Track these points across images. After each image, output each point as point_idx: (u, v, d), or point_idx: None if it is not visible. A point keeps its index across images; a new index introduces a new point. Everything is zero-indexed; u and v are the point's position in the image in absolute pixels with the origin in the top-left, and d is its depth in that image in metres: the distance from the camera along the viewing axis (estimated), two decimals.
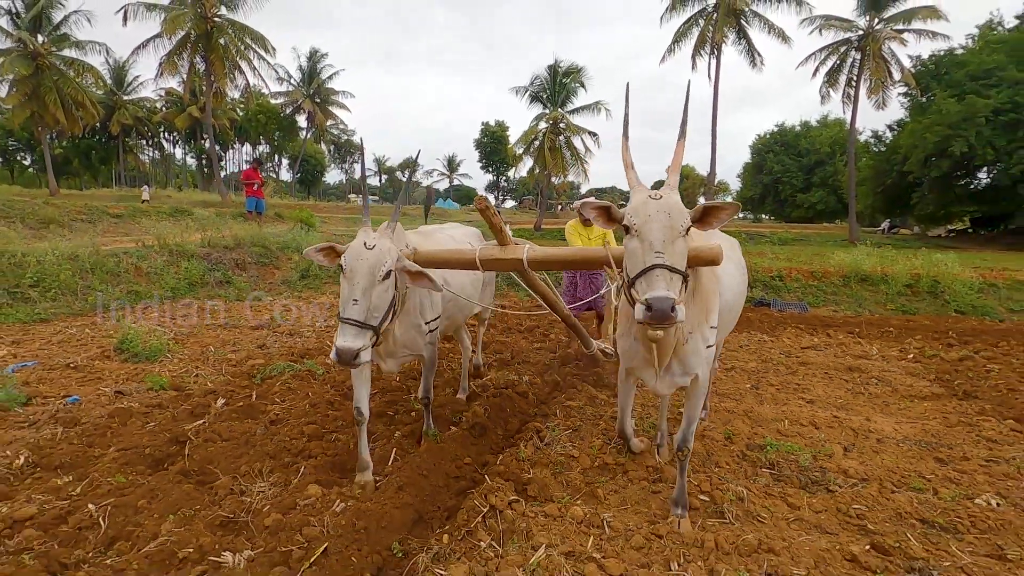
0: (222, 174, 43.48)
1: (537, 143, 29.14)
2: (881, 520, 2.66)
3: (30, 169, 58.42)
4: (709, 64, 28.38)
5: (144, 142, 60.74)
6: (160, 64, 30.87)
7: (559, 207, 65.52)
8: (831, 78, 28.68)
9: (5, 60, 29.70)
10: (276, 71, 35.57)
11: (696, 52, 28.13)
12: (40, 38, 31.25)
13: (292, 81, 47.34)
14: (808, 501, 2.83)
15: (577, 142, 29.29)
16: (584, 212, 2.24)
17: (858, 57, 27.62)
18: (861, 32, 27.42)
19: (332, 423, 3.63)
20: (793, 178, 46.19)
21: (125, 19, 29.03)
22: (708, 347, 2.48)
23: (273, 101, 51.83)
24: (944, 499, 2.85)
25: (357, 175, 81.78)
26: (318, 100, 50.35)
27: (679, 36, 28.49)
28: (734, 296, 3.03)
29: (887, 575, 2.21)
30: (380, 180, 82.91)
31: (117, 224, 12.85)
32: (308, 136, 56.24)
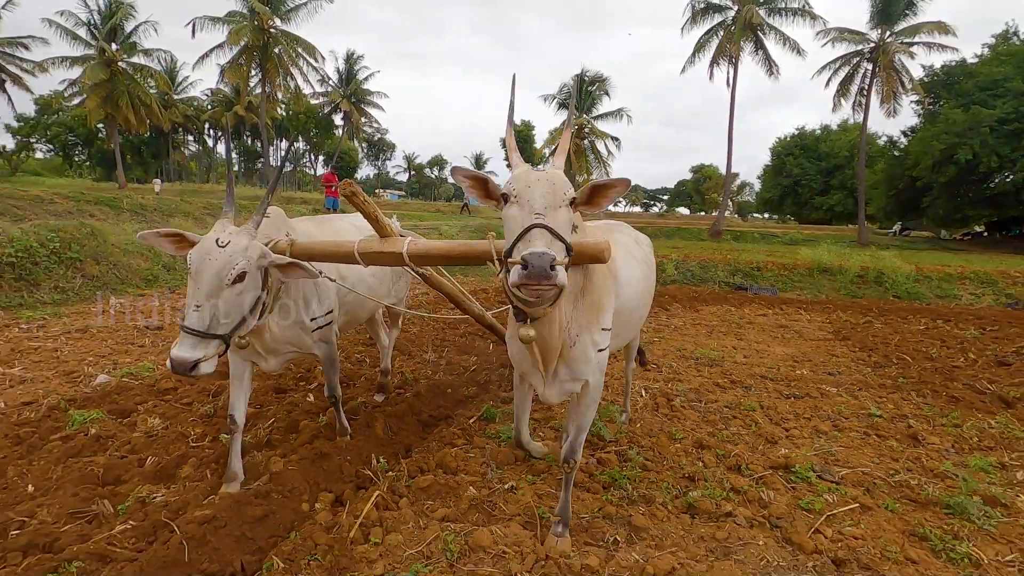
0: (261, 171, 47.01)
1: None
2: (743, 376, 5.03)
3: (86, 163, 62.63)
4: (728, 74, 30.22)
5: (191, 138, 64.73)
6: (222, 70, 34.08)
7: None
8: (843, 87, 30.28)
9: (87, 68, 33.28)
10: (320, 73, 38.66)
11: (714, 63, 30.02)
12: (114, 46, 34.77)
13: (331, 83, 50.38)
14: (709, 372, 5.21)
15: (600, 146, 31.48)
16: (456, 181, 1.99)
17: (870, 68, 29.19)
18: (873, 44, 28.96)
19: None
20: (812, 181, 47.45)
21: (193, 32, 32.27)
22: (600, 351, 2.26)
23: (313, 101, 55.03)
24: (781, 368, 5.21)
25: (390, 171, 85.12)
26: (354, 100, 53.27)
27: (699, 47, 30.41)
28: (635, 296, 2.69)
29: (730, 392, 4.57)
30: (408, 176, 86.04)
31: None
32: (343, 134, 59.26)
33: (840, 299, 10.44)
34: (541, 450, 3.16)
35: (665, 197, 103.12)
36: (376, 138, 68.78)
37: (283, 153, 68.48)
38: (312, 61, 35.43)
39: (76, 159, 60.40)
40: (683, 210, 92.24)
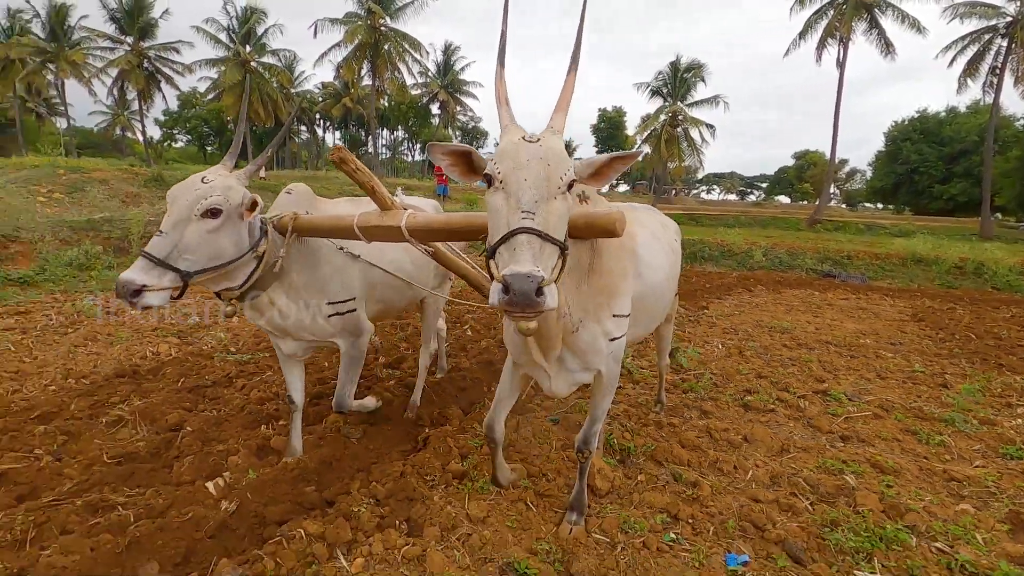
0: (362, 159, 51.01)
1: (654, 132, 31.64)
2: (809, 341, 5.95)
3: (216, 151, 70.33)
4: (838, 53, 28.82)
5: (304, 128, 70.71)
6: (338, 66, 37.50)
7: (674, 192, 66.41)
8: (971, 67, 27.96)
9: (224, 68, 37.89)
10: (421, 66, 41.34)
11: (822, 44, 28.80)
12: (247, 48, 39.22)
13: (430, 74, 53.13)
14: (780, 337, 6.16)
15: (694, 133, 31.37)
16: (433, 159, 1.69)
17: (1004, 45, 26.76)
18: (1010, 19, 26.51)
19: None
20: (932, 168, 43.75)
21: (315, 32, 35.79)
22: (612, 340, 2.04)
23: (413, 92, 58.28)
24: (847, 338, 6.05)
25: None
26: (451, 90, 55.72)
27: (807, 28, 29.25)
28: (661, 280, 2.47)
29: (795, 351, 5.54)
30: None
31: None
32: (439, 123, 62.03)
33: (932, 288, 10.61)
34: (507, 477, 2.65)
35: (763, 185, 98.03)
36: (470, 126, 71.28)
37: (384, 142, 72.94)
38: (416, 55, 38.01)
39: (208, 148, 68.15)
40: (783, 198, 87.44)
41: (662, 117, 31.39)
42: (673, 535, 2.33)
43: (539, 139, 1.54)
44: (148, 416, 3.25)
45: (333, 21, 35.80)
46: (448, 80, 55.04)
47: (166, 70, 40.94)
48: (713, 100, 30.57)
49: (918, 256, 11.74)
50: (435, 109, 59.37)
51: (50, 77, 40.72)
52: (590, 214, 1.76)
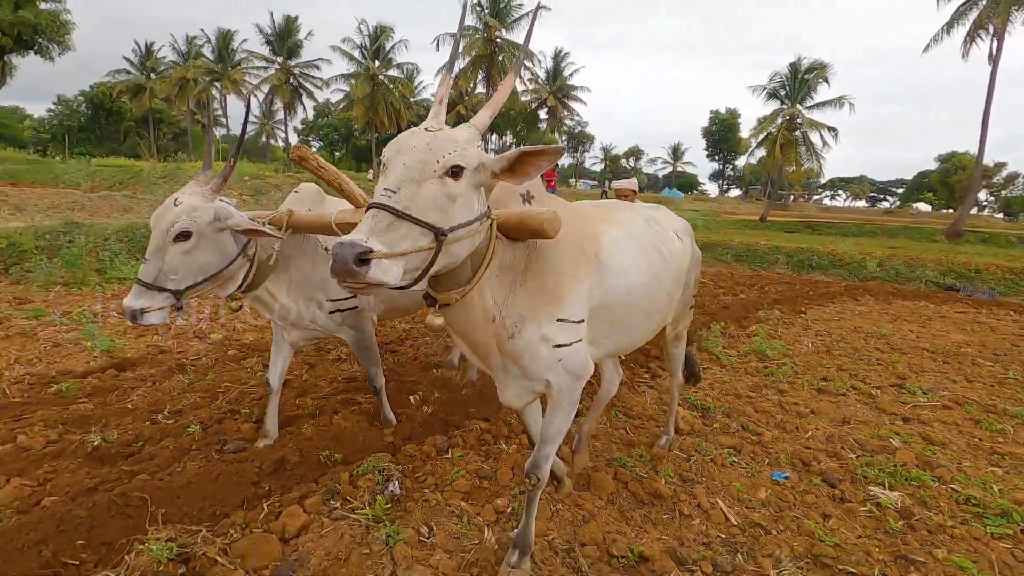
0: None
1: (769, 136, 30.44)
2: (904, 347, 6.21)
3: (343, 157, 77.07)
4: (991, 47, 26.05)
5: None
6: (456, 78, 40.12)
7: (791, 197, 62.54)
8: None
9: (356, 83, 41.91)
10: (532, 73, 42.98)
11: (971, 37, 26.19)
12: (376, 63, 43.04)
13: (539, 80, 54.64)
14: (875, 342, 6.45)
15: (814, 137, 29.79)
16: None
17: None
18: None
19: None
20: None
21: (438, 46, 38.62)
22: (559, 347, 1.88)
23: (523, 99, 60.24)
24: (947, 347, 6.21)
25: (586, 163, 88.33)
26: (560, 96, 56.79)
27: (953, 20, 26.75)
28: (636, 285, 2.17)
29: (886, 353, 5.87)
30: (604, 166, 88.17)
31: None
32: (546, 128, 63.32)
33: None
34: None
35: (899, 190, 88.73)
36: (576, 131, 72.04)
37: (492, 147, 75.78)
38: (529, 65, 39.67)
39: (337, 153, 75.02)
40: (922, 206, 78.57)
41: (778, 120, 30.19)
42: (734, 459, 3.14)
43: (439, 129, 1.53)
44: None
45: (453, 35, 38.51)
46: (557, 86, 56.18)
47: (307, 85, 46.17)
48: (837, 102, 28.83)
49: None
50: (542, 114, 60.87)
51: (215, 93, 47.38)
52: (524, 213, 1.73)
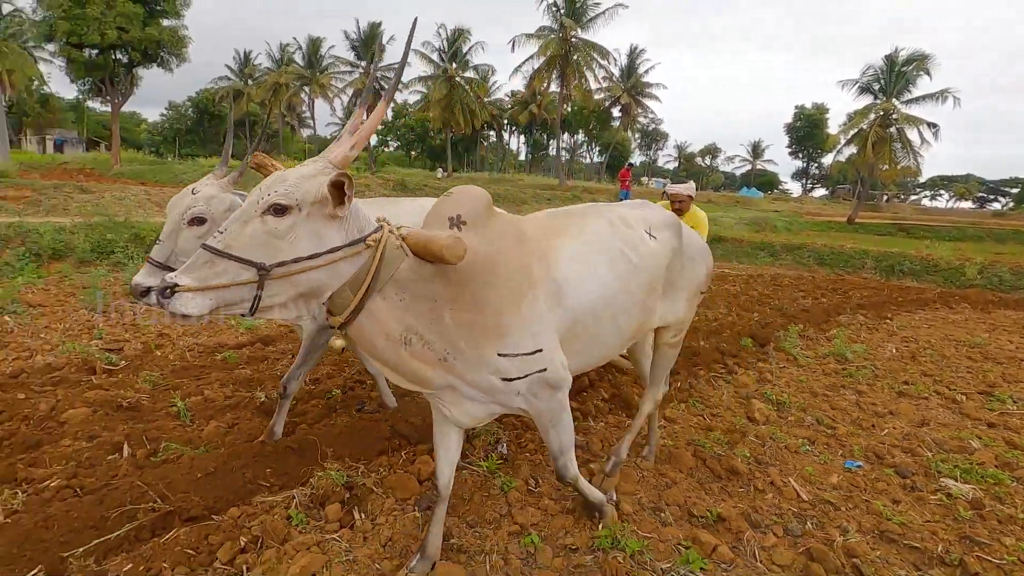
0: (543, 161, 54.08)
1: (860, 133, 28.72)
2: (999, 356, 6.00)
3: (418, 156, 79.84)
4: None
5: (492, 134, 76.92)
6: (530, 78, 40.69)
7: (884, 198, 58.35)
8: None
9: (433, 85, 43.39)
10: (607, 71, 42.78)
11: None
12: (453, 65, 44.34)
13: (613, 78, 54.14)
14: (967, 351, 6.26)
15: (911, 133, 27.83)
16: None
17: None
18: None
19: None
20: None
21: (513, 47, 39.33)
22: (507, 380, 1.87)
23: (596, 97, 59.91)
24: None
25: (659, 161, 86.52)
26: (634, 93, 55.96)
27: None
28: (603, 297, 2.10)
29: (978, 362, 5.72)
30: (678, 165, 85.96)
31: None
32: (619, 126, 62.57)
33: None
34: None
35: (1014, 190, 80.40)
36: (650, 128, 70.76)
37: (565, 145, 75.83)
38: (603, 63, 39.61)
39: (413, 153, 77.82)
40: None
41: (871, 116, 28.42)
42: (807, 448, 3.38)
43: (292, 168, 1.66)
44: None
45: (528, 36, 39.02)
46: (631, 83, 55.43)
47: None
48: (940, 95, 26.77)
49: None
50: (616, 112, 60.28)
51: (304, 97, 50.53)
52: (429, 238, 1.69)
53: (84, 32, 21.21)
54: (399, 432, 3.15)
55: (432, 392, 1.94)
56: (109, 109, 29.91)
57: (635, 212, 2.46)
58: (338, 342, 1.68)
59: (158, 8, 23.50)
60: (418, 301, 1.77)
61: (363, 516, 2.43)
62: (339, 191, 1.57)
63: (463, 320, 1.80)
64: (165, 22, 24.26)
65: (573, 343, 2.06)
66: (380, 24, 45.67)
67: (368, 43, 45.90)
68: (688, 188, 4.58)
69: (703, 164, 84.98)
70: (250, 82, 49.91)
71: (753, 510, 2.66)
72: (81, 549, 2.08)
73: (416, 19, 1.86)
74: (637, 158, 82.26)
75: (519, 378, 1.89)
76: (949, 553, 2.41)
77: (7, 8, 28.62)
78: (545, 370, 1.92)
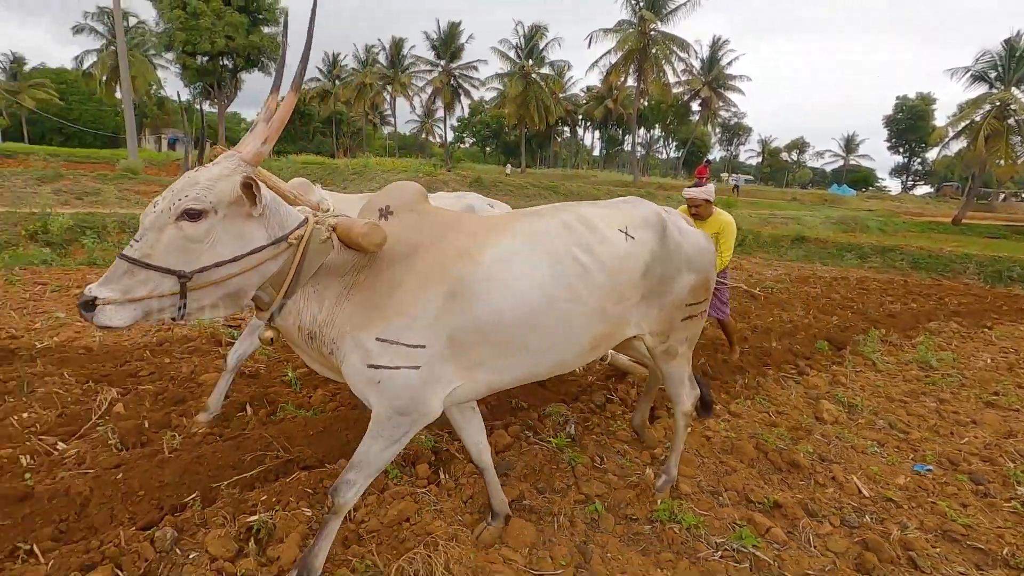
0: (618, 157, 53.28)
1: (971, 125, 26.22)
2: None
3: (492, 152, 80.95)
4: None
5: (566, 130, 76.62)
6: (607, 73, 40.27)
7: (1000, 196, 52.77)
8: None
9: (509, 82, 43.89)
10: (686, 64, 41.51)
11: None
12: (529, 61, 44.65)
13: (693, 71, 52.33)
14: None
15: None
16: None
17: None
18: None
19: None
20: None
21: (590, 43, 39.10)
22: (373, 366, 1.77)
23: (675, 91, 58.19)
24: None
25: (740, 157, 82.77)
26: (715, 86, 53.82)
27: None
28: (534, 305, 1.91)
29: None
30: (761, 160, 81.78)
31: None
32: (698, 120, 60.43)
33: None
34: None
35: None
36: (732, 122, 67.89)
37: (640, 140, 74.26)
38: (683, 56, 38.54)
39: (487, 148, 79.07)
40: None
41: (985, 107, 25.86)
42: (876, 449, 3.39)
43: (202, 169, 1.61)
44: None
45: (606, 31, 38.63)
46: (713, 75, 53.40)
47: (466, 85, 49.45)
48: None
49: None
50: (695, 106, 58.28)
51: (386, 96, 52.67)
52: (349, 225, 1.73)
53: (197, 41, 23.43)
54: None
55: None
56: (216, 110, 32.84)
57: (604, 211, 2.21)
58: (267, 333, 1.73)
59: (260, 17, 25.51)
60: (329, 289, 1.79)
61: (447, 476, 2.78)
62: (251, 191, 1.55)
63: (355, 300, 1.79)
64: (265, 29, 26.30)
65: (485, 350, 1.89)
66: (460, 23, 46.76)
67: (448, 42, 47.17)
68: (705, 192, 4.29)
69: (788, 159, 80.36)
70: (337, 83, 52.67)
71: (811, 500, 2.77)
72: (226, 482, 2.57)
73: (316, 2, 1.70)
74: (717, 153, 79.16)
75: (385, 367, 1.77)
76: (1015, 556, 2.42)
77: (133, 21, 32.08)
78: (418, 368, 1.79)
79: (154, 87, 40.72)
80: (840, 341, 5.70)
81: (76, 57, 35.70)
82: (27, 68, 45.67)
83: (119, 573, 2.00)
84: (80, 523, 2.26)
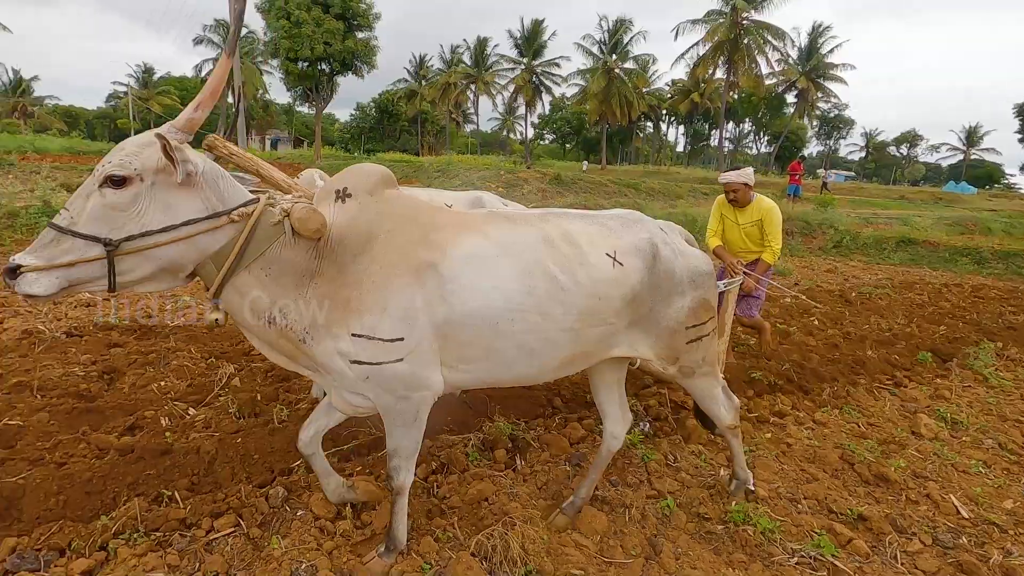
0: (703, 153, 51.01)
1: None
2: None
3: (572, 148, 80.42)
4: None
5: (650, 125, 74.62)
6: (694, 65, 38.86)
7: None
8: None
9: (592, 77, 43.47)
10: (781, 53, 39.10)
11: None
12: (613, 56, 43.95)
13: (789, 60, 49.12)
14: None
15: None
16: None
17: None
18: None
19: None
20: None
21: (676, 35, 37.88)
22: (356, 363, 1.77)
23: (768, 82, 54.99)
24: None
25: (840, 151, 76.87)
26: (814, 76, 50.28)
27: None
28: (500, 314, 1.87)
29: None
30: (865, 155, 75.40)
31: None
32: (794, 113, 56.76)
33: None
34: (339, 492, 2.35)
35: None
36: (832, 114, 63.25)
37: (727, 135, 70.95)
38: (778, 45, 36.39)
39: (568, 145, 78.71)
40: None
41: None
42: (981, 470, 3.14)
43: (132, 137, 1.61)
44: None
45: (694, 22, 37.25)
46: (811, 65, 49.94)
47: (547, 82, 49.57)
48: None
49: None
50: (790, 98, 54.76)
51: (469, 94, 53.85)
52: (292, 210, 1.70)
53: (299, 48, 25.12)
54: (552, 402, 3.62)
55: (309, 373, 1.93)
56: (313, 112, 35.16)
57: (592, 228, 2.09)
58: (213, 315, 1.70)
59: (355, 23, 26.93)
60: (285, 275, 1.73)
61: (523, 462, 2.93)
62: (167, 153, 1.50)
63: (322, 293, 1.75)
64: (360, 35, 27.74)
65: (454, 349, 1.88)
66: (543, 21, 46.86)
67: (531, 40, 47.44)
68: (743, 175, 3.97)
69: (897, 154, 73.55)
70: (423, 83, 54.52)
71: (900, 516, 2.64)
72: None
73: None
74: (814, 148, 73.99)
75: (368, 363, 1.76)
76: None
77: (243, 32, 34.95)
78: (402, 360, 1.78)
79: (260, 91, 44.25)
80: (947, 353, 5.26)
81: (196, 66, 39.65)
82: (155, 77, 51.28)
83: (240, 521, 2.31)
84: (208, 477, 2.63)
